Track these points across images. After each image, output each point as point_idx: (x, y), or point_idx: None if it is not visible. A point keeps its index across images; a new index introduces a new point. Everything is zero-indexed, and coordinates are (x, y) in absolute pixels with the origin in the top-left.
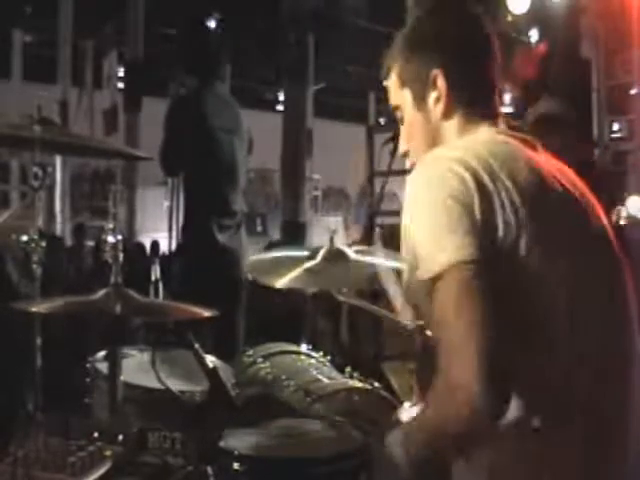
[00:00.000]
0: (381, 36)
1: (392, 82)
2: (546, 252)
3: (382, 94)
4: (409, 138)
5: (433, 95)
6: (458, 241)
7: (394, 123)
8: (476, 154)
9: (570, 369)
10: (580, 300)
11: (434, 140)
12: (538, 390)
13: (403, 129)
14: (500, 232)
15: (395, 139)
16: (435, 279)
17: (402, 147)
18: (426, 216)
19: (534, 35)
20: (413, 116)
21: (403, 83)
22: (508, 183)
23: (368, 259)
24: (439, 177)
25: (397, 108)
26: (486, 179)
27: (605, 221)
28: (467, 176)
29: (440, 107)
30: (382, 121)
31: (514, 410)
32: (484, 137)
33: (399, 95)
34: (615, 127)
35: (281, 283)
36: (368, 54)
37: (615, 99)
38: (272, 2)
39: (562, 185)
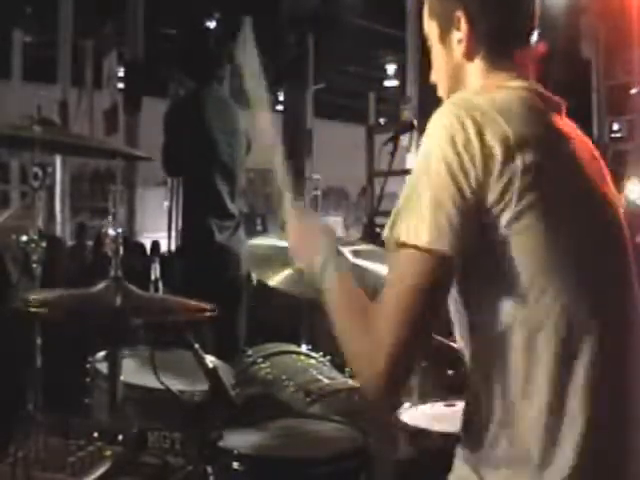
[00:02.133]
0: (381, 36)
1: (425, 9)
2: (547, 230)
3: (382, 94)
4: (435, 70)
5: (456, 35)
6: (440, 228)
7: (394, 123)
8: (494, 109)
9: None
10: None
11: (457, 78)
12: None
13: (432, 59)
14: (490, 205)
15: (395, 139)
16: (397, 244)
17: (432, 77)
18: (425, 182)
19: (534, 35)
20: (438, 49)
21: (432, 14)
22: (521, 151)
23: (366, 263)
24: (452, 141)
25: (427, 37)
26: (496, 143)
27: (617, 207)
28: (473, 136)
29: (462, 48)
30: (382, 121)
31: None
32: (507, 91)
33: (428, 26)
34: (615, 127)
35: (274, 281)
36: (368, 54)
37: (615, 99)
38: (272, 2)
39: (579, 159)
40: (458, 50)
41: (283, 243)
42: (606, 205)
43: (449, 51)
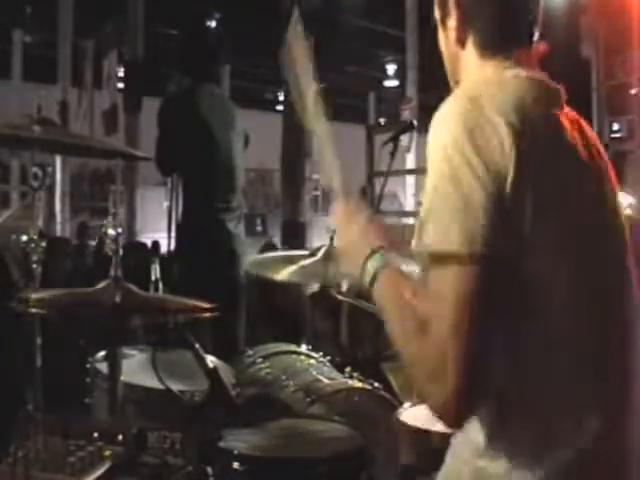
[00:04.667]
0: (381, 36)
1: None
2: (555, 231)
3: (382, 94)
4: (443, 55)
5: (451, 21)
6: (471, 228)
7: (394, 123)
8: (509, 99)
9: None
10: (585, 290)
11: (455, 64)
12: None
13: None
14: (525, 210)
15: (395, 139)
16: (435, 257)
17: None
18: (447, 184)
19: (533, 36)
20: (440, 35)
21: (436, 1)
22: (525, 138)
23: None
24: (468, 129)
25: (434, 19)
26: (523, 135)
27: (616, 196)
28: (504, 132)
29: (454, 35)
30: (382, 121)
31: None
32: (511, 80)
33: (436, 9)
34: (615, 127)
35: (281, 277)
36: (368, 54)
37: (615, 99)
38: (272, 2)
39: (582, 153)
40: (452, 36)
41: (286, 253)
42: (603, 204)
43: (447, 37)
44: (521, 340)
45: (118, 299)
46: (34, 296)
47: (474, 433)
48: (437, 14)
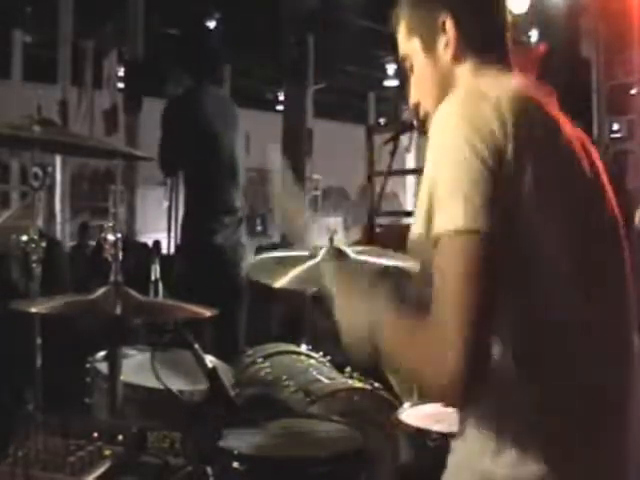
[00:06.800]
0: (381, 36)
1: (401, 31)
2: (558, 225)
3: (382, 94)
4: (419, 86)
5: (442, 40)
6: (474, 207)
7: (394, 123)
8: (509, 101)
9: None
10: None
11: (447, 85)
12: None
13: (413, 79)
14: (522, 194)
15: (395, 139)
16: (442, 236)
17: (412, 99)
18: (449, 167)
19: (534, 35)
20: (423, 63)
21: (411, 31)
22: (536, 144)
23: (368, 258)
24: (469, 119)
25: (406, 58)
26: (518, 133)
27: (614, 208)
28: (498, 125)
29: (450, 52)
30: (382, 121)
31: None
32: (509, 85)
33: (408, 44)
34: (615, 127)
35: (280, 283)
36: (368, 54)
37: (615, 99)
38: (272, 2)
39: (582, 160)
40: (446, 55)
41: (286, 253)
42: (600, 197)
43: (436, 60)
44: (522, 321)
45: (119, 310)
46: (34, 309)
47: (472, 437)
48: (415, 46)
